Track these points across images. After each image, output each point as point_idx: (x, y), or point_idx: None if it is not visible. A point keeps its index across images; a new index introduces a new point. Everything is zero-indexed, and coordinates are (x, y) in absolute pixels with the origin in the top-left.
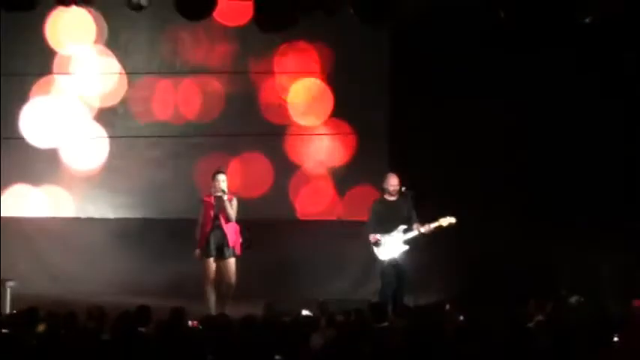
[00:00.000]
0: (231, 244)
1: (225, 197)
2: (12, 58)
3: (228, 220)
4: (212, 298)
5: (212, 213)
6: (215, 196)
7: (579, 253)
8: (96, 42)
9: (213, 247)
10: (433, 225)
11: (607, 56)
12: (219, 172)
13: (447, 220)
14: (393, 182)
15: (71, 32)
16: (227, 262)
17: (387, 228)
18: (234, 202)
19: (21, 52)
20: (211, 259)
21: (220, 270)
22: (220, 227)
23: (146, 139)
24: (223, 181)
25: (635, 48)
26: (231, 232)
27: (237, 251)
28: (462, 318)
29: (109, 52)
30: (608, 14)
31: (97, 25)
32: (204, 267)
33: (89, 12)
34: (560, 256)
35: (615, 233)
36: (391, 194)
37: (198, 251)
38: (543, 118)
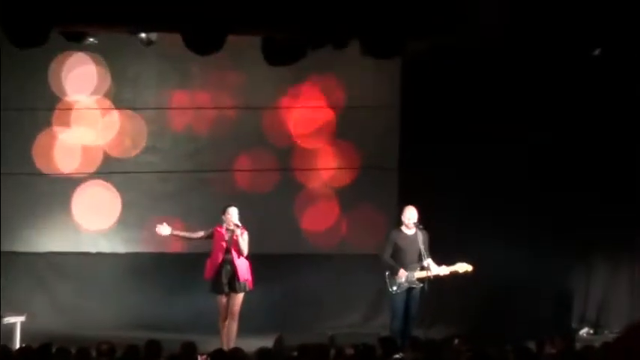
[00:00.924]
0: (241, 278)
1: (239, 231)
2: (21, 92)
3: (240, 254)
4: (225, 332)
5: (224, 245)
6: (227, 229)
7: (593, 289)
8: (103, 80)
9: (224, 281)
10: (449, 269)
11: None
12: (230, 205)
13: (463, 267)
14: (411, 215)
15: (75, 78)
16: (236, 296)
17: (402, 260)
18: (246, 235)
19: (27, 87)
20: (223, 295)
21: (228, 304)
22: (232, 261)
23: (158, 174)
24: (235, 215)
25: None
26: (242, 266)
27: (249, 286)
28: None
29: (118, 87)
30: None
31: (102, 67)
32: (218, 303)
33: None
34: (573, 290)
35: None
36: (408, 227)
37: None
38: (556, 155)
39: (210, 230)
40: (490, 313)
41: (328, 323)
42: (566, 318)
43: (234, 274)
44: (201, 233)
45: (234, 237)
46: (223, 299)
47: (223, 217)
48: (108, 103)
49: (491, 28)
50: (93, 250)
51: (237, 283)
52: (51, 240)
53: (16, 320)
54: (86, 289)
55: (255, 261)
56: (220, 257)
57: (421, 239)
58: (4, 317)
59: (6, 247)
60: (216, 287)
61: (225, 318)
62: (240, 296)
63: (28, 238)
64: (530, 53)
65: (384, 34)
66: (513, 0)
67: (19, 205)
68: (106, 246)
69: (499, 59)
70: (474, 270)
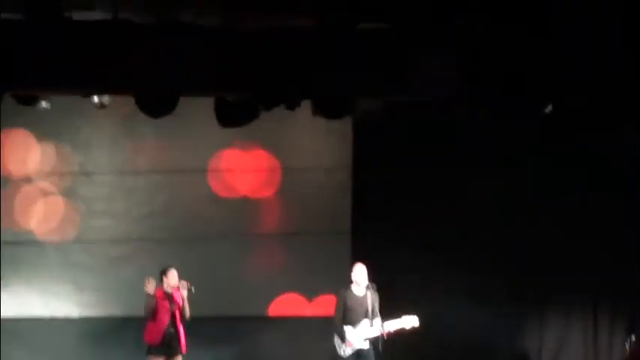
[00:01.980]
0: (182, 341)
1: (185, 292)
2: None
3: (183, 317)
4: None
5: (168, 308)
6: (166, 292)
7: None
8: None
9: (167, 344)
10: (396, 325)
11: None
12: (170, 266)
13: (409, 321)
14: (359, 273)
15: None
16: (178, 358)
17: (351, 319)
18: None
19: None
20: (162, 358)
21: None
22: (175, 325)
23: (111, 236)
24: (176, 276)
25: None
26: (182, 330)
27: (184, 350)
28: None
29: (69, 151)
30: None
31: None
32: None
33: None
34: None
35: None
36: (358, 284)
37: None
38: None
39: (153, 300)
40: None
41: None
42: None
43: (176, 337)
44: (150, 315)
45: (179, 300)
46: None
47: (164, 278)
48: (60, 166)
49: (442, 82)
50: (46, 314)
51: (178, 346)
52: (2, 305)
53: None
54: (40, 356)
55: (209, 323)
56: (166, 320)
57: (370, 299)
58: None
59: None
60: (158, 350)
61: None
62: (181, 358)
63: None
64: (483, 107)
65: (334, 94)
66: (462, 55)
67: None
68: (59, 310)
69: (452, 114)
70: (420, 325)
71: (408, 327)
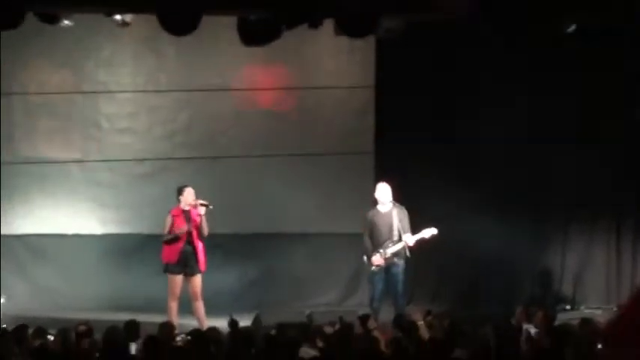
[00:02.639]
0: (200, 260)
1: (203, 210)
2: None
3: (201, 235)
4: (176, 314)
5: (185, 227)
6: (184, 210)
7: (570, 261)
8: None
9: (184, 263)
10: (416, 237)
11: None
12: (186, 185)
13: (429, 232)
14: (382, 192)
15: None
16: (196, 278)
17: (377, 237)
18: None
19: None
20: (180, 276)
21: (189, 286)
22: (192, 243)
23: (134, 155)
24: (192, 195)
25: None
26: (201, 248)
27: (203, 268)
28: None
29: (92, 69)
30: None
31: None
32: (172, 283)
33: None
34: (551, 264)
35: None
36: (383, 203)
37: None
38: (535, 129)
39: (170, 219)
40: (467, 291)
41: (305, 302)
42: (543, 294)
43: (194, 255)
44: (167, 229)
45: (196, 217)
46: (179, 280)
47: (180, 197)
48: (83, 85)
49: (466, 0)
50: (70, 232)
51: (195, 265)
52: (28, 222)
53: None
54: (64, 271)
55: (232, 240)
56: (182, 238)
57: (396, 216)
58: None
59: None
60: (175, 268)
61: (177, 298)
62: (200, 277)
63: (5, 220)
64: (505, 28)
65: (358, 12)
66: None
67: None
68: (82, 227)
69: (475, 34)
70: (443, 243)
71: (427, 236)
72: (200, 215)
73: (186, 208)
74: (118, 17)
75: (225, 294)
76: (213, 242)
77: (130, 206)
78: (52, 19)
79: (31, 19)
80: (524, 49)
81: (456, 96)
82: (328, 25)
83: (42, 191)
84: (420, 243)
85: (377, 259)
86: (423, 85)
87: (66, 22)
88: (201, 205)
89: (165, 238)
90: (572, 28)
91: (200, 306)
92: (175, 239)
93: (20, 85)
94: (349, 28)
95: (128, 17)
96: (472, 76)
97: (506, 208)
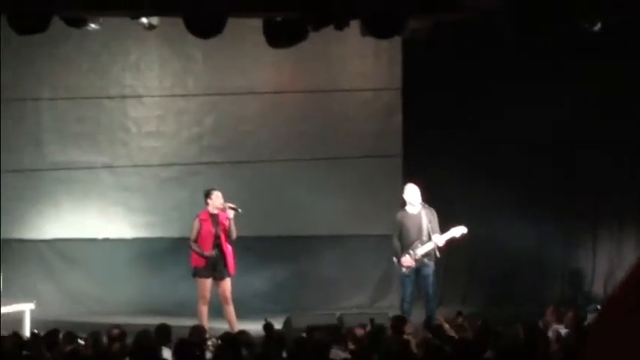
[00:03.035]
0: (229, 263)
1: (232, 213)
2: (22, 81)
3: (229, 238)
4: (206, 317)
5: (213, 231)
6: (212, 214)
7: (600, 261)
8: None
9: (213, 267)
10: (445, 236)
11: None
12: (214, 189)
13: (459, 230)
14: (411, 193)
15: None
16: (225, 281)
17: (407, 239)
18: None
19: (29, 75)
20: (209, 280)
21: (219, 290)
22: (220, 246)
23: (162, 159)
24: (221, 198)
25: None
26: (230, 251)
27: (232, 271)
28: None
29: (119, 73)
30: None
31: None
32: (201, 287)
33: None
34: (581, 264)
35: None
36: (412, 204)
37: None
38: (562, 129)
39: (198, 223)
40: (497, 292)
41: (336, 304)
42: (573, 295)
43: (222, 259)
44: (194, 233)
45: (225, 221)
46: (208, 284)
47: (209, 201)
48: (110, 90)
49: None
50: (99, 236)
51: (224, 269)
52: (57, 227)
53: (26, 308)
54: (94, 275)
55: (263, 243)
56: (210, 242)
57: (425, 217)
58: (14, 305)
59: (13, 235)
60: (203, 272)
61: (207, 302)
62: (229, 280)
63: (35, 225)
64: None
65: (384, 12)
66: None
67: (24, 193)
68: (112, 232)
69: (500, 35)
70: (473, 243)
71: (457, 235)
72: (229, 219)
73: (215, 211)
74: (144, 20)
75: (255, 297)
76: (244, 245)
77: (159, 210)
78: (79, 23)
79: (57, 24)
80: (549, 48)
81: (482, 96)
82: (354, 26)
83: (71, 196)
84: (450, 243)
85: (407, 260)
86: (450, 86)
87: (92, 25)
88: (230, 208)
89: (193, 248)
90: (598, 26)
91: (230, 309)
92: (202, 256)
93: (48, 90)
94: (375, 28)
95: (154, 20)
96: (498, 76)
97: (535, 208)
